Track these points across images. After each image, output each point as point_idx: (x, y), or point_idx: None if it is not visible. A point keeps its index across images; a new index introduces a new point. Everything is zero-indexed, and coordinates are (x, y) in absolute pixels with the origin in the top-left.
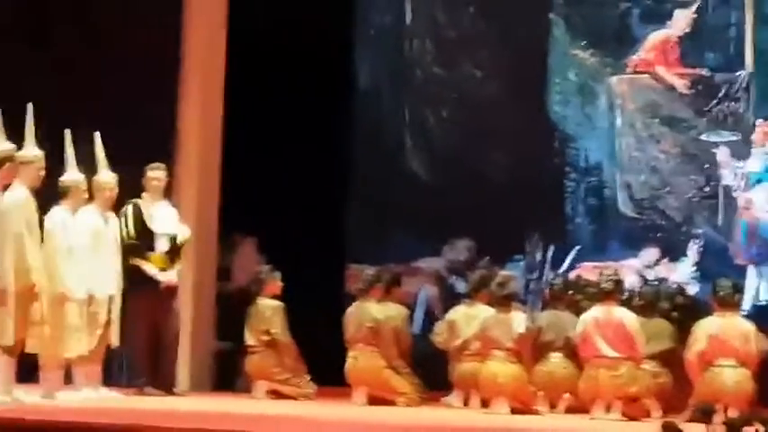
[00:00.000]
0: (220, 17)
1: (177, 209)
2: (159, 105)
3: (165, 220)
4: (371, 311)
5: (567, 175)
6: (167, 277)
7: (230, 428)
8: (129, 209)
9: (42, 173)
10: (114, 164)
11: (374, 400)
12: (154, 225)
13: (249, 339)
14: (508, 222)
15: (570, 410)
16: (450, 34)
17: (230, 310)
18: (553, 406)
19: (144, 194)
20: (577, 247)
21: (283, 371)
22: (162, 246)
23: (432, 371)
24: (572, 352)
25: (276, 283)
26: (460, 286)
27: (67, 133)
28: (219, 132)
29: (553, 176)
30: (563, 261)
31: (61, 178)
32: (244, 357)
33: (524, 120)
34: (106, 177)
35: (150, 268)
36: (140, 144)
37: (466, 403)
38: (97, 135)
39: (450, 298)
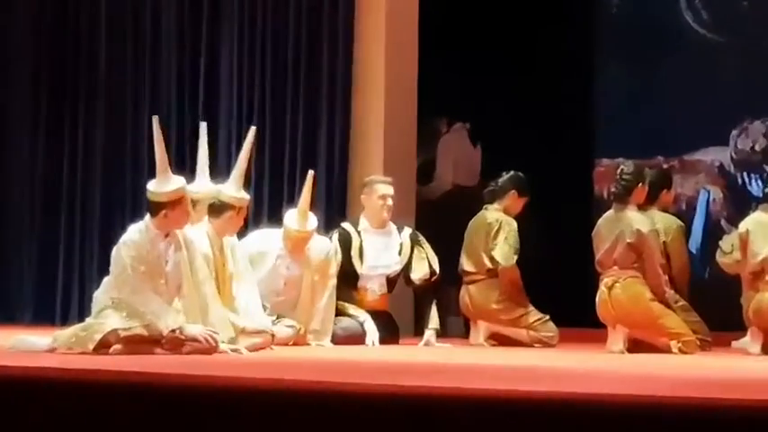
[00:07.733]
0: None
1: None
2: None
3: None
4: (632, 223)
5: None
6: None
7: (440, 385)
8: None
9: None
10: None
11: (637, 345)
12: None
13: (466, 264)
14: None
15: None
16: None
17: (433, 222)
18: None
19: None
20: None
21: (512, 307)
22: None
23: (717, 304)
24: None
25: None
26: (756, 187)
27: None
28: None
29: None
30: None
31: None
32: (458, 289)
33: None
34: None
35: None
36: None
37: (766, 349)
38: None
39: (742, 203)
